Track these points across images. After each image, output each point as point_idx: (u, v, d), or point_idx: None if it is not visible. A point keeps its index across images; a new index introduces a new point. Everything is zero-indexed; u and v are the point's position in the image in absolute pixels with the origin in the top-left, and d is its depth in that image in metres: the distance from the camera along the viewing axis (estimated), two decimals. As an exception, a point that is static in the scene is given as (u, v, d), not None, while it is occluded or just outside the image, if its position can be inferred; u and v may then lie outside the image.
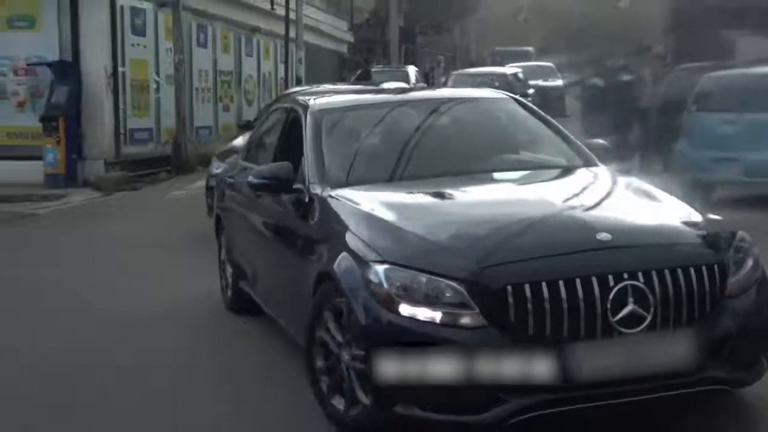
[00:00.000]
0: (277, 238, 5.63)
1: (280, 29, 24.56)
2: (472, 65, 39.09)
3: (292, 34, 24.15)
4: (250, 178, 5.59)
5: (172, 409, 5.03)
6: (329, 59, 33.12)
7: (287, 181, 5.33)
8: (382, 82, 16.01)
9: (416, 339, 3.94)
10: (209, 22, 21.35)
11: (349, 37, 36.23)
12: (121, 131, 16.90)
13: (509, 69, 24.96)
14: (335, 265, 4.37)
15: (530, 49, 39.62)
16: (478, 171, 5.43)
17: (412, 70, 26.27)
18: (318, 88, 14.07)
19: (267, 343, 6.07)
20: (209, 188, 10.26)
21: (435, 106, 6.17)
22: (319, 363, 4.49)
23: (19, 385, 5.51)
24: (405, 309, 3.98)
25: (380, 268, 4.11)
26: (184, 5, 17.54)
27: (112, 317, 7.02)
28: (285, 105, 6.74)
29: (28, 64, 16.18)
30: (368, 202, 4.76)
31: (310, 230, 4.99)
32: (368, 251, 4.25)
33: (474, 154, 5.65)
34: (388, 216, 4.55)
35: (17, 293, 8.04)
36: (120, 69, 16.84)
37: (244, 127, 12.81)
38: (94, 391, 5.37)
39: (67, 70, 15.85)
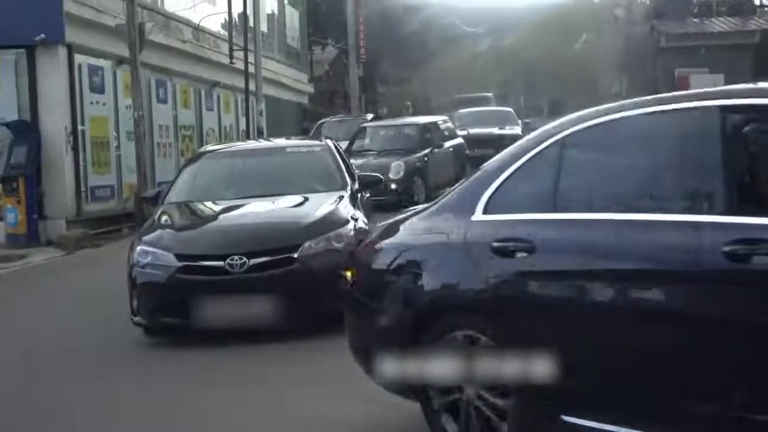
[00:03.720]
0: None
1: (240, 82, 24.66)
2: (432, 113, 39.43)
3: (252, 87, 24.27)
4: None
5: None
6: (290, 111, 33.26)
7: None
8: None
9: None
10: (168, 78, 21.40)
11: (310, 89, 36.45)
12: (82, 189, 16.85)
13: (426, 118, 21.12)
14: None
15: (489, 94, 40.05)
16: None
17: (370, 118, 26.44)
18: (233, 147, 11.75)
19: None
20: (135, 283, 7.71)
21: None
22: None
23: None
24: None
25: None
26: (142, 62, 17.58)
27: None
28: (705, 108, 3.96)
29: (-15, 125, 16.13)
30: None
31: None
32: None
33: None
34: None
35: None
36: (80, 127, 16.82)
37: (151, 199, 10.04)
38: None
39: (26, 130, 15.83)
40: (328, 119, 26.68)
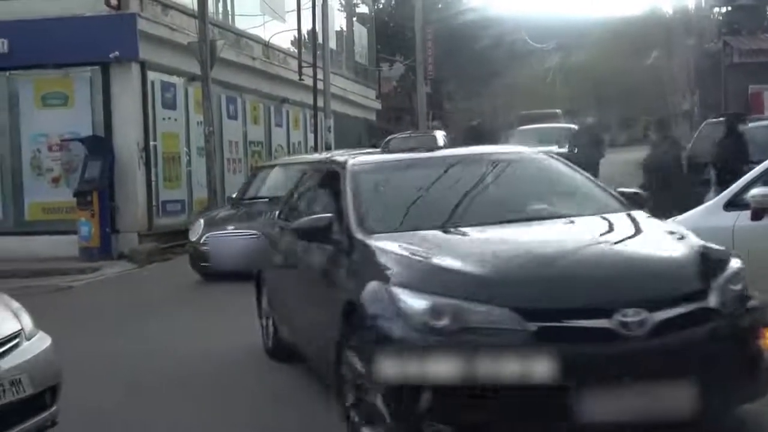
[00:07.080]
0: None
1: (308, 99, 24.90)
2: (497, 130, 39.25)
3: (320, 103, 24.48)
4: None
5: None
6: (358, 127, 33.46)
7: None
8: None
9: None
10: (238, 94, 21.69)
11: (377, 105, 36.63)
12: (154, 203, 17.15)
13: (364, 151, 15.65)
14: None
15: (558, 111, 39.73)
16: None
17: (440, 135, 26.40)
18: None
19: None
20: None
21: None
22: None
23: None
24: None
25: None
26: (213, 78, 17.85)
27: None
28: None
29: (62, 140, 16.52)
30: None
31: None
32: None
33: None
34: None
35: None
36: (152, 143, 17.13)
37: (320, 230, 5.96)
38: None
39: (100, 145, 16.16)
40: (396, 135, 26.69)
